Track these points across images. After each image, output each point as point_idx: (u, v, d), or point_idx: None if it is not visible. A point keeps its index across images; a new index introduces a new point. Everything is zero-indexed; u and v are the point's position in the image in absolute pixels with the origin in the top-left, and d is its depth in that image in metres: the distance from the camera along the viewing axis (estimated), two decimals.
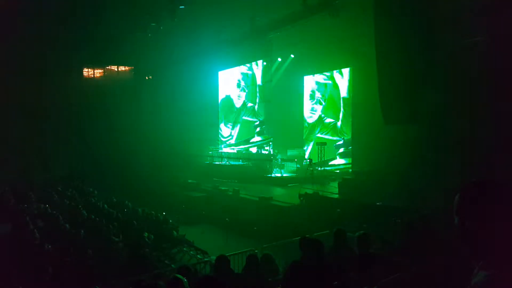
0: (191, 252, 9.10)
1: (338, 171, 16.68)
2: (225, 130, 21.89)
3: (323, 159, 16.61)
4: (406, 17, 9.66)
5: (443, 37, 9.73)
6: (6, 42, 18.91)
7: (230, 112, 21.54)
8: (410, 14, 9.61)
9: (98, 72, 25.31)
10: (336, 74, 17.42)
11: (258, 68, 18.60)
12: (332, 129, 17.61)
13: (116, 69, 25.74)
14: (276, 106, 20.86)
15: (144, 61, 23.86)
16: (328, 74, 17.78)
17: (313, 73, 18.62)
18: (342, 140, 17.00)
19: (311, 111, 18.90)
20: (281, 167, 18.42)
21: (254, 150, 19.52)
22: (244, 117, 20.24)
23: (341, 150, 17.06)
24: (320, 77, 18.25)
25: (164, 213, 11.66)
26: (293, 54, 19.03)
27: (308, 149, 18.89)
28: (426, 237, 5.62)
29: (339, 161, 17.23)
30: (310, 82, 18.91)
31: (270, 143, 18.17)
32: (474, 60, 10.52)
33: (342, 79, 16.92)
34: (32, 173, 19.51)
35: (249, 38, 17.08)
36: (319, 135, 18.29)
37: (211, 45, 18.75)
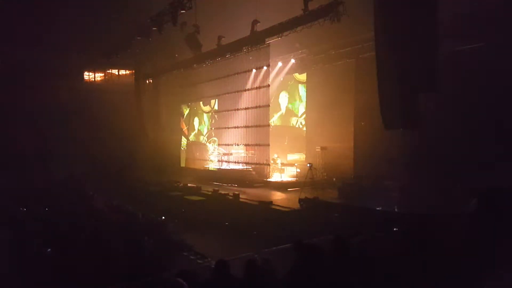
0: (191, 257, 9.09)
1: None
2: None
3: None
4: (406, 23, 9.69)
5: (443, 42, 9.76)
6: (7, 45, 18.99)
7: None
8: (410, 20, 9.63)
9: (99, 76, 25.37)
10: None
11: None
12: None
13: (117, 73, 25.80)
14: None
15: (145, 65, 23.91)
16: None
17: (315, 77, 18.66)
18: None
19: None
20: (281, 171, 18.41)
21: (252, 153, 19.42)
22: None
23: None
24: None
25: (163, 217, 11.64)
26: (293, 59, 19.06)
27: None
28: (425, 242, 5.61)
29: None
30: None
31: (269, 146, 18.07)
32: (475, 65, 10.57)
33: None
34: (32, 176, 19.51)
35: (249, 43, 17.10)
36: None
37: (213, 50, 18.78)
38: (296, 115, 20.39)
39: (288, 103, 20.85)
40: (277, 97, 21.17)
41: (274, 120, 21.23)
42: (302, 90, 19.89)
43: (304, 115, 19.54)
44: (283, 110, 20.98)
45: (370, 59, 10.83)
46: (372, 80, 10.56)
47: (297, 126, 20.16)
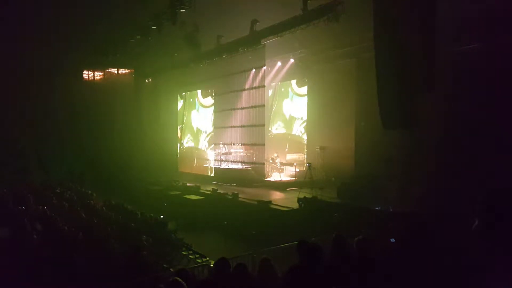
0: (190, 256, 9.09)
1: None
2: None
3: None
4: (405, 23, 9.70)
5: (441, 43, 9.77)
6: (7, 44, 18.95)
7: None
8: (409, 20, 9.64)
9: (98, 75, 25.33)
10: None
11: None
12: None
13: (116, 72, 25.76)
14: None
15: (145, 64, 23.89)
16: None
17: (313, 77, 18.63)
18: None
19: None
20: (280, 171, 18.42)
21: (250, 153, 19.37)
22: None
23: None
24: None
25: (162, 216, 11.65)
26: (293, 59, 19.04)
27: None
28: (424, 241, 5.61)
29: None
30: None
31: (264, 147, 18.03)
32: (474, 65, 10.58)
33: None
34: (30, 175, 19.50)
35: (246, 44, 17.08)
36: None
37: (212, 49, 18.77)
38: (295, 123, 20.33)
39: (290, 111, 20.72)
40: (281, 105, 21.12)
41: (278, 127, 21.21)
42: (301, 101, 19.76)
43: (305, 124, 19.41)
44: (287, 117, 20.89)
45: (371, 59, 10.80)
46: (373, 79, 10.55)
47: (297, 134, 20.11)
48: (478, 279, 2.89)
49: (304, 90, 19.36)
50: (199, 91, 23.85)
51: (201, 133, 24.08)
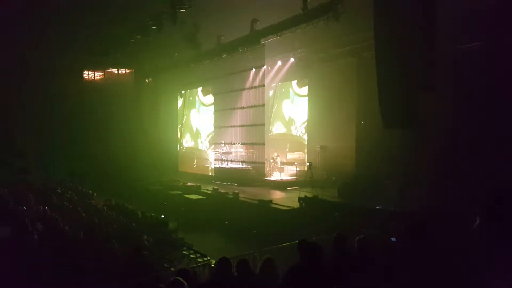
0: (191, 255, 9.09)
1: None
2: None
3: None
4: (405, 22, 9.70)
5: (441, 41, 9.77)
6: (7, 44, 18.95)
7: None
8: (409, 19, 9.65)
9: (98, 75, 25.32)
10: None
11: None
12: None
13: (116, 72, 25.74)
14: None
15: (145, 64, 23.87)
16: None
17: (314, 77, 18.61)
18: None
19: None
20: (281, 170, 18.42)
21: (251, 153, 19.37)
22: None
23: None
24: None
25: (163, 216, 11.65)
26: (293, 58, 19.02)
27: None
28: (424, 241, 5.62)
29: None
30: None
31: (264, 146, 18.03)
32: (474, 65, 10.58)
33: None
34: (30, 175, 19.52)
35: (245, 43, 17.07)
36: None
37: (212, 49, 18.77)
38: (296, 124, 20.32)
39: (290, 112, 20.71)
40: (281, 106, 21.10)
41: (278, 128, 21.21)
42: (302, 102, 19.72)
43: (305, 124, 19.36)
44: (286, 118, 20.89)
45: (372, 58, 10.80)
46: (374, 79, 10.54)
47: (297, 134, 20.10)
48: (478, 279, 2.90)
49: (304, 90, 19.33)
50: (199, 89, 23.91)
51: (200, 134, 24.10)
